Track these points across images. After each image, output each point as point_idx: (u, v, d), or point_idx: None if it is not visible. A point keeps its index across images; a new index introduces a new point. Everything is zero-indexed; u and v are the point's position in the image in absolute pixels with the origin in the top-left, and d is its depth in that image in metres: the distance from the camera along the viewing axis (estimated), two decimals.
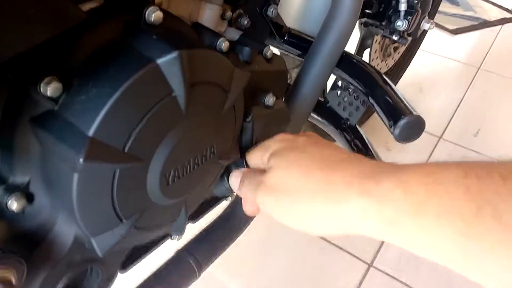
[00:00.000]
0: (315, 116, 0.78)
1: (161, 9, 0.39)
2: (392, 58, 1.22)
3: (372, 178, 0.31)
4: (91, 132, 0.31)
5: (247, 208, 0.43)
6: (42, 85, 0.29)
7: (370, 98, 0.63)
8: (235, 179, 0.44)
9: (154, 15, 0.34)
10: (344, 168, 0.33)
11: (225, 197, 0.61)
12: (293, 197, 0.35)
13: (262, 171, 0.40)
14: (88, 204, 0.34)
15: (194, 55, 0.34)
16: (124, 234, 0.38)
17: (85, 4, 0.34)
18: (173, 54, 0.32)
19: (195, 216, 0.57)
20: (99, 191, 0.34)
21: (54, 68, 0.30)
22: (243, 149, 0.50)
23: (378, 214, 0.29)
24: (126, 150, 0.33)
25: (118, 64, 0.32)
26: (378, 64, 1.14)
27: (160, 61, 0.32)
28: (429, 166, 0.29)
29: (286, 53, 0.74)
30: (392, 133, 0.59)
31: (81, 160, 0.30)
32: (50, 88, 0.30)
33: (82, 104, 0.31)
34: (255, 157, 0.43)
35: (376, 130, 1.12)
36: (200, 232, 0.66)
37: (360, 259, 1.05)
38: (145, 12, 0.34)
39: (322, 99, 0.78)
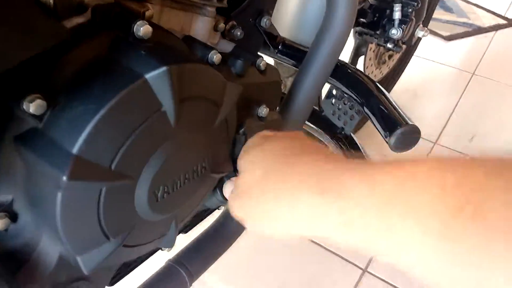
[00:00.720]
0: (310, 125, 0.77)
1: (151, 23, 0.38)
2: (387, 66, 1.22)
3: (332, 173, 0.27)
4: (75, 150, 0.30)
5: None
6: (25, 102, 0.28)
7: (365, 107, 0.62)
8: (227, 190, 0.43)
9: (142, 29, 0.33)
10: (304, 162, 0.30)
11: (217, 208, 0.61)
12: (255, 200, 0.33)
13: None
14: (72, 223, 0.33)
15: (183, 70, 0.33)
16: (112, 251, 0.37)
17: (73, 19, 0.34)
18: (162, 69, 0.32)
19: (186, 228, 0.56)
20: (84, 210, 0.33)
21: (39, 86, 0.29)
22: (236, 162, 0.49)
23: (340, 214, 0.26)
24: (113, 167, 0.32)
25: (104, 80, 0.31)
26: (372, 72, 1.14)
27: (148, 76, 0.31)
28: (401, 161, 0.25)
29: (281, 62, 0.74)
30: (387, 142, 0.59)
31: (64, 178, 0.30)
32: (34, 106, 0.29)
33: (67, 122, 0.30)
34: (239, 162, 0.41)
35: (372, 136, 1.12)
36: (192, 242, 0.65)
37: (354, 264, 1.05)
38: (133, 27, 0.33)
39: (317, 108, 0.77)
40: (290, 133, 0.38)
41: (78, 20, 0.35)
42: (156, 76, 0.31)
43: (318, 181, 0.28)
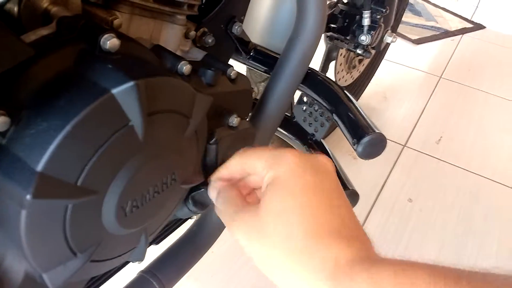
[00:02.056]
0: (282, 131, 0.78)
1: (119, 33, 0.38)
2: (357, 70, 1.24)
3: (346, 268, 0.30)
4: (39, 167, 0.29)
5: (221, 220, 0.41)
6: None
7: (334, 115, 0.63)
8: (212, 191, 0.42)
9: (109, 42, 0.32)
10: (327, 245, 0.32)
11: (189, 218, 0.60)
12: (266, 249, 0.33)
13: (240, 193, 0.39)
14: (38, 240, 0.32)
15: (151, 84, 0.33)
16: (79, 267, 0.36)
17: (37, 31, 0.33)
18: (129, 84, 0.31)
19: (157, 239, 0.56)
20: (50, 226, 0.32)
21: (2, 101, 0.29)
22: (208, 172, 0.49)
23: None
24: (79, 183, 0.32)
25: (70, 95, 0.30)
26: (343, 76, 1.16)
27: (115, 91, 0.31)
28: (399, 265, 0.29)
29: (253, 69, 0.74)
30: (355, 150, 0.60)
31: (28, 197, 0.29)
32: None
33: (31, 138, 0.29)
34: (251, 162, 0.39)
35: (342, 139, 1.14)
36: (164, 252, 0.64)
37: None
38: (100, 40, 0.32)
39: (289, 114, 0.78)
40: (329, 188, 0.36)
41: (43, 32, 0.34)
42: (123, 91, 0.31)
43: (333, 271, 0.31)
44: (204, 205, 0.50)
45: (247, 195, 0.41)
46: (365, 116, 0.60)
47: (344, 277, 0.30)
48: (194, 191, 0.48)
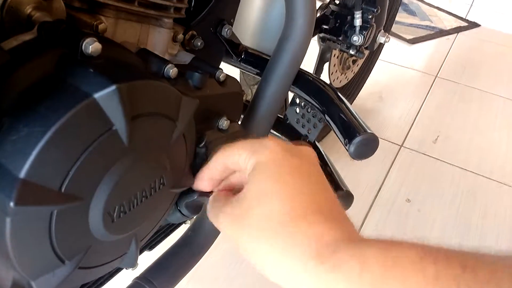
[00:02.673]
0: (275, 133, 0.77)
1: (102, 38, 0.38)
2: (352, 71, 1.24)
3: (330, 246, 0.30)
4: (22, 174, 0.29)
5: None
6: None
7: (326, 116, 0.63)
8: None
9: (91, 47, 0.32)
10: (310, 223, 0.32)
11: (183, 223, 0.60)
12: (251, 234, 0.33)
13: (226, 192, 0.39)
14: (24, 248, 0.32)
15: (134, 87, 0.33)
16: (68, 274, 0.36)
17: (18, 37, 0.33)
18: (111, 88, 0.31)
19: (151, 245, 0.56)
20: (36, 234, 0.32)
21: None
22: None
23: (329, 283, 0.29)
24: (63, 189, 0.31)
25: (51, 100, 0.30)
26: (338, 77, 1.16)
27: (97, 95, 0.31)
28: (387, 243, 0.29)
29: (245, 71, 0.74)
30: (347, 150, 0.60)
31: (11, 204, 0.28)
32: None
33: (13, 145, 0.29)
34: (233, 157, 0.38)
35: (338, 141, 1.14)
36: (159, 258, 0.64)
37: None
38: (82, 44, 0.32)
39: (282, 116, 0.78)
40: (311, 171, 0.36)
41: (24, 37, 0.34)
42: (105, 95, 0.31)
43: (317, 249, 0.30)
44: (197, 208, 0.50)
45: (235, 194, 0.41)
46: (357, 116, 0.60)
47: (329, 255, 0.29)
48: (186, 195, 0.48)
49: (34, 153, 0.29)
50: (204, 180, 0.42)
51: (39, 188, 0.30)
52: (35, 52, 0.32)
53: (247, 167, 0.36)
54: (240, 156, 0.37)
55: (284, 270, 0.31)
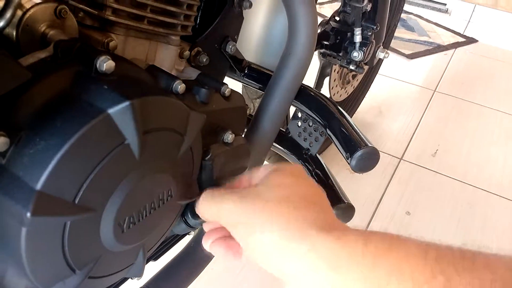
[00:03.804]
0: (278, 146, 0.79)
1: (114, 55, 0.39)
2: (351, 85, 1.26)
3: (338, 223, 0.33)
4: (38, 186, 0.30)
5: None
6: None
7: (327, 130, 0.65)
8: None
9: (105, 64, 0.34)
10: (318, 211, 0.34)
11: (187, 234, 0.61)
12: (258, 236, 0.34)
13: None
14: (38, 257, 0.33)
15: (146, 103, 0.34)
16: (78, 284, 0.37)
17: (35, 55, 0.34)
18: (125, 104, 0.32)
19: (156, 255, 0.56)
20: (49, 244, 0.33)
21: (1, 123, 0.30)
22: (204, 187, 0.50)
23: (333, 251, 0.30)
24: (77, 201, 0.32)
25: (67, 115, 0.31)
26: (338, 92, 1.18)
27: (111, 111, 0.32)
28: (392, 234, 0.31)
29: (247, 86, 0.76)
30: (349, 164, 0.61)
31: (28, 214, 0.30)
32: None
33: (30, 158, 0.30)
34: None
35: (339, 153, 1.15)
36: (162, 268, 0.65)
37: None
38: (96, 62, 0.34)
39: (284, 130, 0.79)
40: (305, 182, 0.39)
41: (41, 55, 0.35)
42: (119, 111, 0.32)
43: (321, 226, 0.32)
44: None
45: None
46: (357, 130, 0.61)
47: (335, 228, 0.32)
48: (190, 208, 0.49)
49: (50, 166, 0.30)
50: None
51: (54, 199, 0.31)
52: (52, 69, 0.33)
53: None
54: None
55: (289, 244, 0.32)
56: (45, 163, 0.30)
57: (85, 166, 0.32)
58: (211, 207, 0.40)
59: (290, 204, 0.34)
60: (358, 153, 0.57)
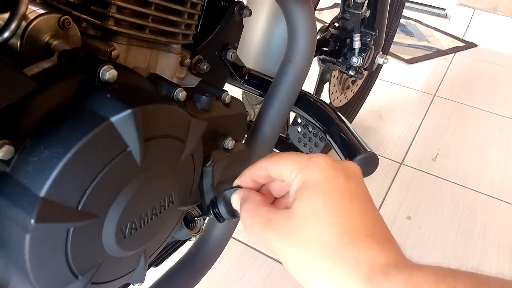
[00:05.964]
0: (277, 152, 0.80)
1: (116, 64, 0.40)
2: (351, 91, 1.27)
3: (383, 268, 0.30)
4: (42, 193, 0.31)
5: (247, 228, 0.38)
6: None
7: (327, 135, 0.65)
8: (235, 199, 0.41)
9: (108, 74, 0.34)
10: (362, 248, 0.32)
11: (188, 239, 0.61)
12: (300, 252, 0.33)
13: (266, 198, 0.38)
14: (41, 263, 0.34)
15: (148, 111, 0.35)
16: None
17: (39, 64, 0.35)
18: (127, 112, 0.33)
19: (158, 261, 0.57)
20: (53, 250, 0.34)
21: (6, 131, 0.30)
22: (204, 193, 0.51)
23: None
24: (80, 207, 0.33)
25: (70, 124, 0.32)
26: (338, 97, 1.18)
27: (114, 119, 0.33)
28: (440, 270, 0.29)
29: (247, 92, 0.76)
30: None
31: (32, 221, 0.30)
32: (1, 152, 0.30)
33: (34, 165, 0.31)
34: (278, 167, 0.38)
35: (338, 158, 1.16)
36: (164, 274, 0.65)
37: None
38: (99, 71, 0.34)
39: (284, 135, 0.80)
40: (359, 193, 0.36)
41: (45, 65, 0.36)
42: (121, 119, 0.33)
43: (369, 270, 0.30)
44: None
45: (272, 203, 0.40)
46: (357, 135, 0.62)
47: (380, 279, 0.29)
48: (192, 216, 0.49)
49: (54, 173, 0.31)
50: (247, 179, 0.41)
51: (58, 206, 0.32)
52: (56, 78, 0.34)
53: (293, 182, 0.36)
54: (286, 169, 0.37)
55: None
56: (49, 171, 0.31)
57: (88, 173, 0.33)
58: (256, 233, 0.37)
59: (327, 247, 0.32)
60: (358, 158, 0.58)
